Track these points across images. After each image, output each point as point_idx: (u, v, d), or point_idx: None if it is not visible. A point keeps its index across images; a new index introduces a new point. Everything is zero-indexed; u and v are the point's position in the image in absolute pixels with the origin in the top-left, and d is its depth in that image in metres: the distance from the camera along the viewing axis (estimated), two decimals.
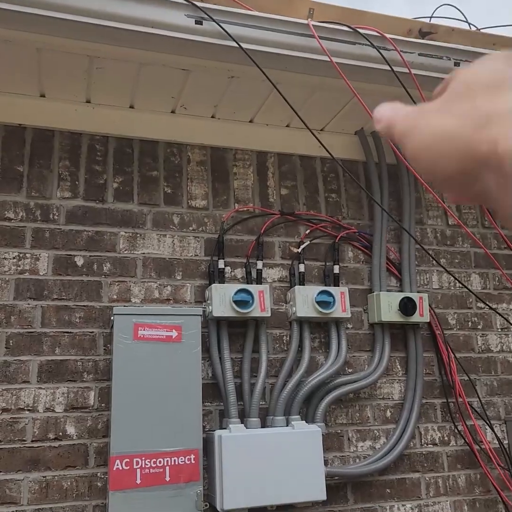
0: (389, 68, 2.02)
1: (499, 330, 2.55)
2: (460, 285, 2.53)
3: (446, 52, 2.12)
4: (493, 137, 0.33)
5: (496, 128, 0.33)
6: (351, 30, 2.01)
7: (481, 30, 2.73)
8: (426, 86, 2.11)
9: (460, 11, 2.82)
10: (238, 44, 1.85)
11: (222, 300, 2.09)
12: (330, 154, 2.16)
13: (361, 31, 2.02)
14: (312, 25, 1.95)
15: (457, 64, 2.12)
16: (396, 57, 2.04)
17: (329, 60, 1.94)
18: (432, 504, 2.25)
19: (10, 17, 1.68)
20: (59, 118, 2.17)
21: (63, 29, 1.74)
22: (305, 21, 1.95)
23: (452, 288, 2.53)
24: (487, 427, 2.39)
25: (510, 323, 2.49)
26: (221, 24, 1.85)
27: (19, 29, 1.75)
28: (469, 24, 2.80)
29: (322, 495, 1.93)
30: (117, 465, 1.80)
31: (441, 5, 2.81)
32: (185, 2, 1.83)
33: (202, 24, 1.84)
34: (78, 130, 2.20)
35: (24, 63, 1.94)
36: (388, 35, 2.05)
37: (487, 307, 2.52)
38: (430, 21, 2.76)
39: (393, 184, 2.53)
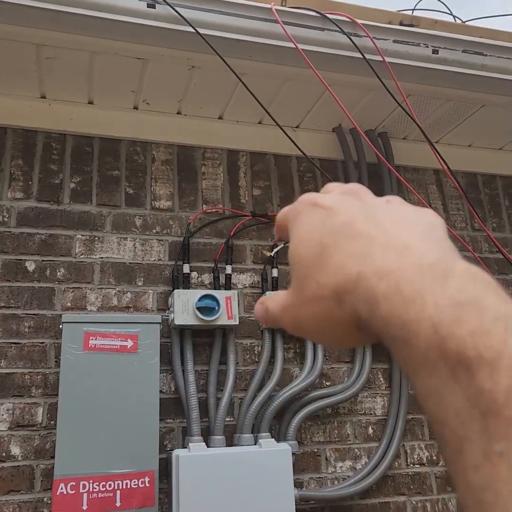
0: (361, 56, 1.88)
1: None
2: None
3: (423, 38, 1.98)
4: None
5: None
6: (319, 15, 1.87)
7: (466, 23, 2.60)
8: (402, 75, 1.98)
9: (443, 3, 2.69)
10: (194, 29, 1.71)
11: (185, 307, 1.93)
12: (303, 153, 2.02)
13: (330, 16, 1.88)
14: (276, 9, 1.81)
15: (435, 51, 1.98)
16: (369, 44, 1.90)
17: (294, 47, 1.80)
18: None
19: None
20: (12, 114, 2.04)
21: (2, 13, 1.61)
22: (268, 5, 1.82)
23: None
24: None
25: None
26: (175, 7, 1.72)
27: None
28: (454, 16, 2.67)
29: None
30: (61, 489, 1.63)
31: None
32: None
33: (155, 8, 1.71)
34: (33, 127, 2.06)
35: None
36: (359, 21, 1.91)
37: None
38: (412, 13, 2.63)
39: (374, 184, 2.37)
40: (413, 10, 2.63)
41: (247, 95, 1.93)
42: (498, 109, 2.25)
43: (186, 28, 1.73)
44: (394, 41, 1.95)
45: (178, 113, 2.21)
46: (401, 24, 2.48)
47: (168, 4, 1.71)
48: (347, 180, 2.37)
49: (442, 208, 2.50)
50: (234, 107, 2.19)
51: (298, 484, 1.96)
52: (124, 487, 1.67)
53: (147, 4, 1.71)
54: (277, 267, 2.16)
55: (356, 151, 2.37)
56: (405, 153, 2.46)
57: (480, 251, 2.48)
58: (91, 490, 1.65)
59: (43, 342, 1.87)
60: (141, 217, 2.10)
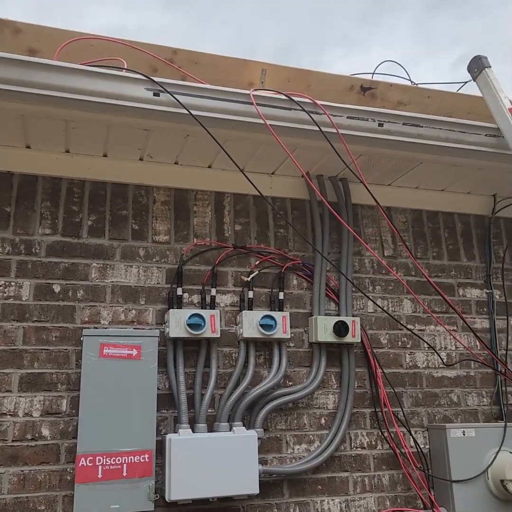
0: (319, 130, 2.38)
1: (426, 349, 2.91)
2: (393, 309, 2.91)
3: (371, 115, 2.48)
4: None
5: None
6: (287, 98, 2.38)
7: (418, 85, 3.11)
8: (354, 142, 2.48)
9: (403, 67, 3.21)
10: (189, 112, 2.22)
11: (178, 323, 2.46)
12: (261, 194, 2.52)
13: (296, 98, 2.38)
14: (253, 95, 2.32)
15: (381, 125, 2.49)
16: (326, 120, 2.40)
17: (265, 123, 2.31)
18: (358, 499, 2.62)
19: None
20: (42, 165, 2.54)
21: (42, 101, 2.11)
22: (247, 92, 2.32)
23: (386, 311, 2.90)
24: (409, 434, 2.76)
25: (428, 343, 2.85)
26: (175, 95, 2.22)
27: (6, 100, 2.11)
28: (410, 80, 3.17)
29: (255, 489, 2.30)
30: (82, 462, 2.17)
31: (383, 61, 3.19)
32: (144, 78, 2.21)
33: (159, 96, 2.21)
34: (58, 176, 2.57)
35: (10, 125, 2.31)
36: (319, 102, 2.41)
37: (415, 328, 2.89)
38: (372, 77, 3.14)
39: (334, 220, 2.90)
40: (372, 74, 3.13)
41: (233, 150, 2.44)
42: (432, 165, 2.77)
43: (182, 110, 2.23)
44: (348, 117, 2.46)
45: (175, 163, 2.72)
46: (361, 87, 3.01)
47: (168, 93, 2.21)
48: (312, 217, 2.90)
49: (391, 239, 3.03)
50: (222, 158, 2.69)
51: (264, 462, 2.51)
52: (129, 461, 2.22)
53: (153, 93, 2.21)
54: (252, 290, 2.69)
55: (320, 192, 2.89)
56: (362, 194, 2.96)
57: (421, 275, 3.02)
58: (104, 463, 2.19)
59: (66, 349, 2.40)
60: (144, 249, 2.62)
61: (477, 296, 3.09)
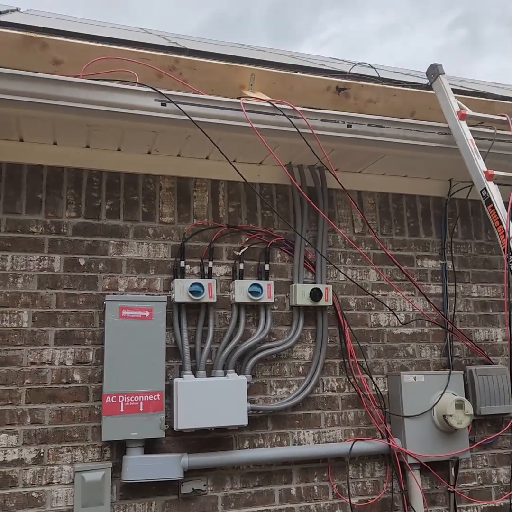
0: (297, 131, 2.88)
1: (387, 310, 3.49)
2: (361, 278, 3.47)
3: (341, 118, 2.98)
4: None
5: None
6: (271, 105, 2.87)
7: (385, 85, 3.59)
8: (327, 139, 2.98)
9: (374, 68, 3.66)
10: (191, 119, 2.71)
11: (181, 290, 3.01)
12: (244, 179, 3.02)
13: (278, 105, 2.87)
14: (243, 103, 2.81)
15: (349, 125, 2.98)
16: (304, 122, 2.90)
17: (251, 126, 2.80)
18: (328, 431, 3.24)
19: (34, 106, 2.53)
20: (67, 159, 3.04)
21: (69, 111, 2.59)
22: (237, 100, 2.81)
23: (354, 280, 3.46)
24: (370, 380, 3.36)
25: (388, 306, 3.43)
26: (179, 105, 2.71)
27: (39, 110, 2.60)
28: (381, 79, 3.64)
29: (244, 421, 2.90)
30: (108, 400, 2.76)
31: (356, 64, 3.65)
32: (153, 91, 2.69)
33: (166, 105, 2.70)
34: (80, 167, 3.07)
35: (41, 127, 2.80)
36: (298, 107, 2.90)
37: (379, 294, 3.46)
38: (348, 74, 3.61)
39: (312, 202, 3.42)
40: (347, 74, 3.60)
41: (226, 145, 2.94)
42: (395, 156, 3.29)
43: (185, 117, 2.72)
44: (322, 120, 2.95)
45: (178, 155, 3.22)
46: (337, 88, 3.49)
47: (174, 103, 2.69)
48: (293, 200, 3.42)
49: (360, 219, 3.57)
50: (217, 151, 3.19)
51: (252, 401, 3.11)
52: (145, 399, 2.81)
53: (161, 103, 2.69)
54: (243, 262, 3.24)
55: (300, 179, 3.40)
56: (336, 180, 3.49)
57: (386, 249, 3.56)
58: (125, 400, 2.78)
59: (91, 311, 2.96)
60: (153, 228, 3.15)
61: (432, 266, 3.65)
